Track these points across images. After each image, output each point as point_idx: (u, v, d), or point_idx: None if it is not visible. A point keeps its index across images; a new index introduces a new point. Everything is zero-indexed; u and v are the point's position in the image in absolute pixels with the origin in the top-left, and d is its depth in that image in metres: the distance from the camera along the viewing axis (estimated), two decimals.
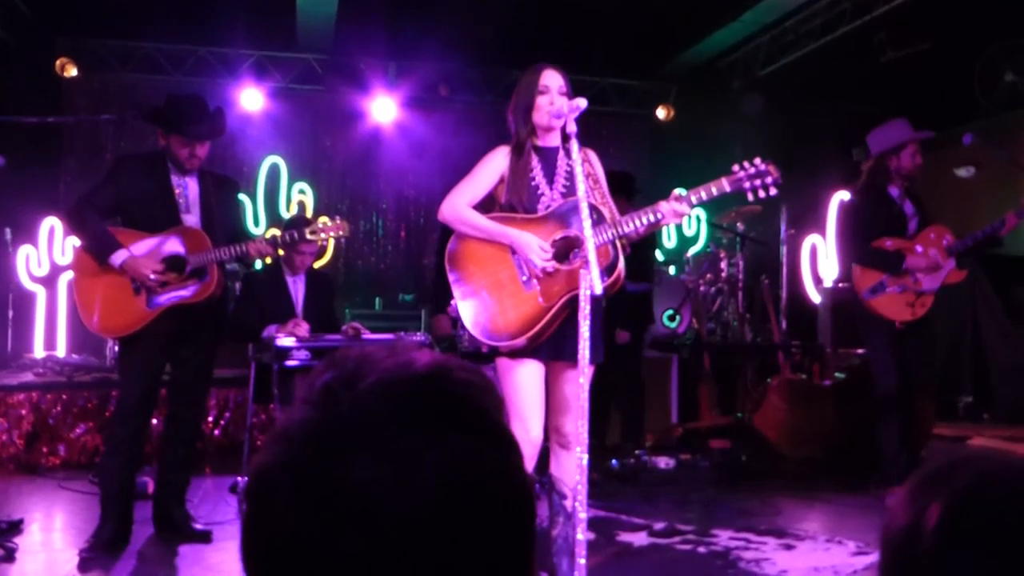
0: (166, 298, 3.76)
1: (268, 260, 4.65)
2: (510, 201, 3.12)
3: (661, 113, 9.48)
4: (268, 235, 4.49)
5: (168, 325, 3.78)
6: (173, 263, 3.76)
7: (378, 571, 0.61)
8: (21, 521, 4.13)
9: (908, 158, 4.55)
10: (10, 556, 3.63)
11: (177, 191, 3.87)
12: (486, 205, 3.18)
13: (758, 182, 3.04)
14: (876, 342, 4.63)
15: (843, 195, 7.84)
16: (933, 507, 0.78)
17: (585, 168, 3.15)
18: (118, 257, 3.69)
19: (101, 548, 3.66)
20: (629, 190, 5.43)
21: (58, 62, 7.88)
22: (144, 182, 3.84)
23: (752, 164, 3.05)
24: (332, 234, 4.11)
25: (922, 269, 4.43)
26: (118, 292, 3.74)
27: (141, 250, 3.74)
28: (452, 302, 3.16)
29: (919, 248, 4.49)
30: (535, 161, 3.14)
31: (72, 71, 7.95)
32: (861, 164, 4.93)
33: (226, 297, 4.29)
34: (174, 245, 3.78)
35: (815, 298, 7.67)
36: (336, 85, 8.70)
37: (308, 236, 4.04)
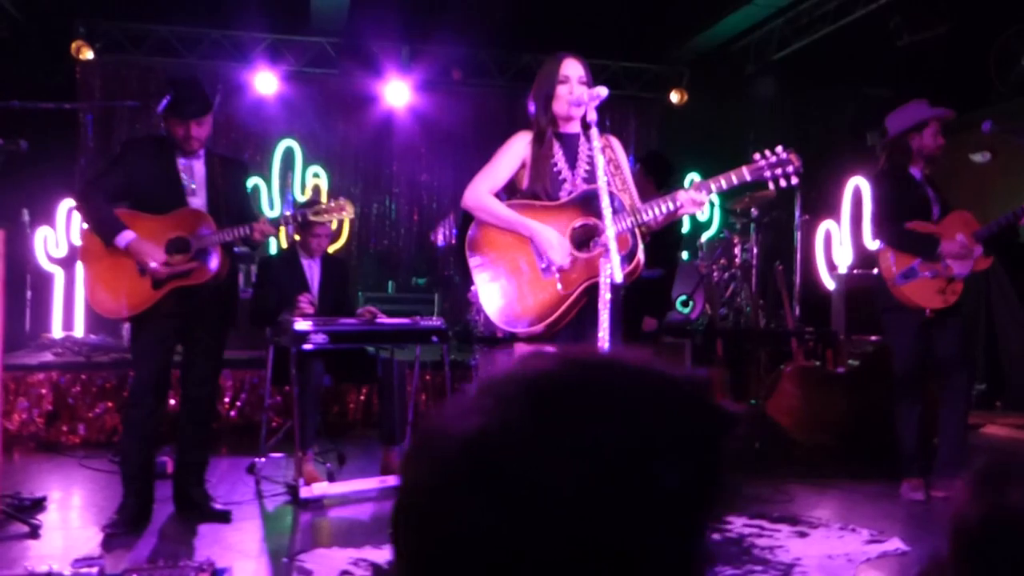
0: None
1: (284, 243, 4.67)
2: (532, 187, 3.12)
3: (674, 97, 9.45)
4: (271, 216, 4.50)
5: (176, 306, 3.81)
6: (177, 245, 3.80)
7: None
8: (44, 498, 4.19)
9: (931, 137, 4.41)
10: (35, 533, 3.69)
11: (183, 174, 3.89)
12: (508, 190, 3.18)
13: (779, 171, 2.96)
14: (898, 328, 4.47)
15: (858, 180, 7.84)
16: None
17: (607, 154, 3.14)
18: (123, 239, 3.72)
19: (123, 526, 3.72)
20: (661, 176, 5.40)
21: (73, 45, 7.90)
22: (150, 165, 3.87)
23: (773, 153, 2.97)
24: (335, 215, 4.08)
25: (956, 255, 4.29)
26: (124, 273, 3.77)
27: (145, 232, 3.77)
28: (472, 287, 3.17)
29: (955, 234, 4.35)
30: (556, 148, 3.14)
31: (88, 54, 7.98)
32: (877, 148, 4.83)
33: (236, 280, 4.29)
34: (178, 227, 3.81)
35: (829, 284, 7.67)
36: (350, 68, 8.70)
37: (311, 217, 4.06)
